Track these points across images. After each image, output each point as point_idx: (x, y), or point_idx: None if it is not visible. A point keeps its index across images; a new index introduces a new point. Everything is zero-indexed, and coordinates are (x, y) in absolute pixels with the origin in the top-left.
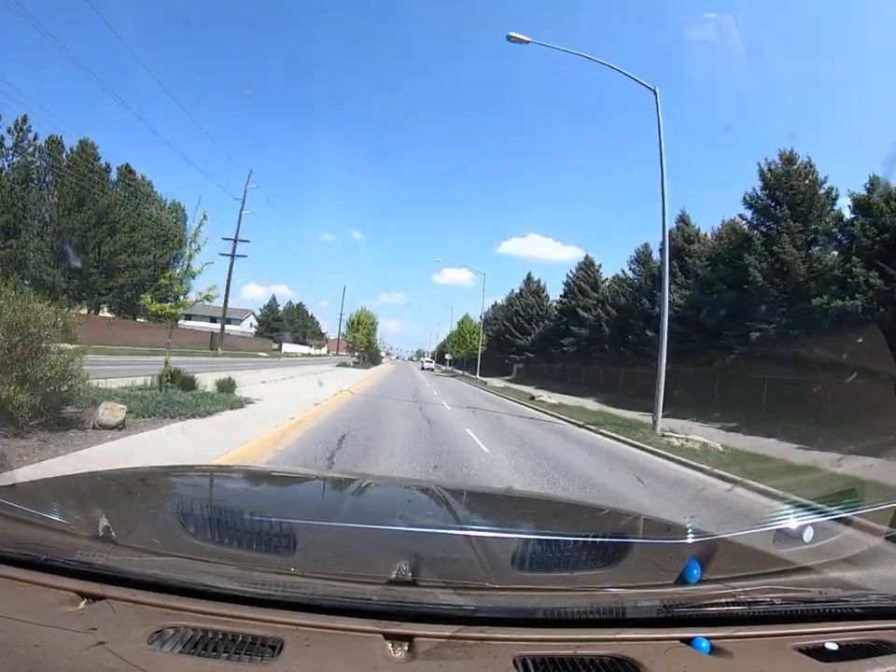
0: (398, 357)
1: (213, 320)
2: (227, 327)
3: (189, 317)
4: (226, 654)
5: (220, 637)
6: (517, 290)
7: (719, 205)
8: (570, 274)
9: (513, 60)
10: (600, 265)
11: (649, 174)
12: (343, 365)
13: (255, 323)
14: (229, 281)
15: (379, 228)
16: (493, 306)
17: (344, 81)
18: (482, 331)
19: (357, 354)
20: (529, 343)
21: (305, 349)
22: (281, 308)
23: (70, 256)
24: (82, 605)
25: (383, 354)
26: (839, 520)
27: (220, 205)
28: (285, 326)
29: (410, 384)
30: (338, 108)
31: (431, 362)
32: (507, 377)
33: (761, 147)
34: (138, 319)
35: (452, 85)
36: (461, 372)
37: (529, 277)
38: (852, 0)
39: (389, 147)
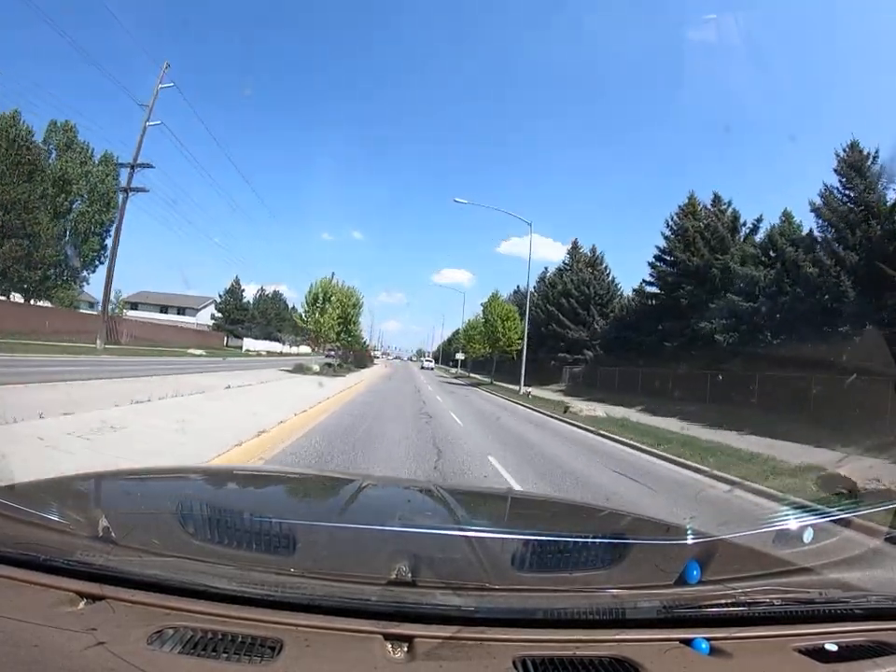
0: (395, 357)
1: (163, 309)
2: (179, 318)
3: (134, 307)
4: (225, 655)
5: (220, 637)
6: (554, 269)
7: None
8: (672, 222)
9: (516, 59)
10: (729, 201)
11: (648, 172)
12: (301, 370)
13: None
14: (118, 231)
15: (379, 228)
16: (515, 291)
17: (344, 81)
18: (527, 313)
19: (330, 351)
20: (592, 335)
21: (276, 346)
22: (248, 297)
23: None
24: (82, 605)
25: (377, 353)
26: (839, 521)
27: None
28: (254, 318)
29: (420, 435)
30: (337, 108)
31: (431, 362)
32: (554, 386)
33: None
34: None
35: (452, 85)
36: (486, 379)
37: (575, 245)
38: None
39: (389, 146)
